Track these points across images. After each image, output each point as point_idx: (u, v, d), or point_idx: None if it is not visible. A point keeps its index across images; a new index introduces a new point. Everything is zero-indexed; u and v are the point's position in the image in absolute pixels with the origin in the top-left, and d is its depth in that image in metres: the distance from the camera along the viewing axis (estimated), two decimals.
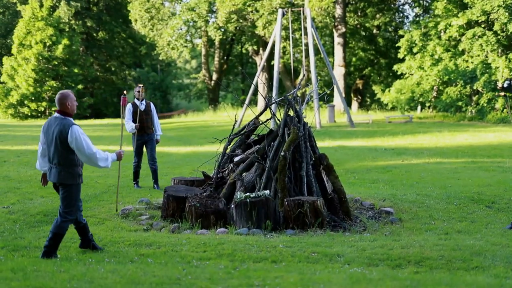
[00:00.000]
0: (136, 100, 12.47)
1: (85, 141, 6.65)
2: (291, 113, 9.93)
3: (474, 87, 35.77)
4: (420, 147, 21.17)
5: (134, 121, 12.36)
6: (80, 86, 52.47)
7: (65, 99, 6.77)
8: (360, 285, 5.44)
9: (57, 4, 56.25)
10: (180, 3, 53.63)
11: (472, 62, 36.27)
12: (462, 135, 25.44)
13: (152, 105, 12.77)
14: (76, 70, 52.57)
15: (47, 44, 50.55)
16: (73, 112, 6.87)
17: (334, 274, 5.98)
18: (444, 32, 38.88)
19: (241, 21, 46.57)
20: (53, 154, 6.75)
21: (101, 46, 63.86)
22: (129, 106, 12.39)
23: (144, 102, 12.49)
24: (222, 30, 48.79)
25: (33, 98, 49.55)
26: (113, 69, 64.10)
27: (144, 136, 12.49)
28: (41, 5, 51.44)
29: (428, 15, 46.18)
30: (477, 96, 36.72)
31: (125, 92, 8.33)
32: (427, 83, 39.07)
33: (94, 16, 62.22)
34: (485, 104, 35.12)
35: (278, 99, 10.68)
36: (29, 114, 49.95)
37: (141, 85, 12.53)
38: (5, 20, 61.04)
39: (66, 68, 52.05)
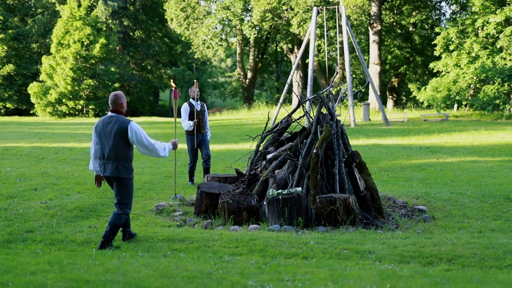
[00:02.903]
0: (192, 100, 12.73)
1: (143, 134, 7.34)
2: (324, 110, 9.95)
3: None
4: (455, 146, 20.93)
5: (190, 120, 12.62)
6: (116, 85, 53.13)
7: (120, 100, 7.45)
8: (390, 281, 5.45)
9: (94, 4, 57.10)
10: (215, 2, 53.88)
11: (510, 60, 35.65)
12: (499, 133, 25.05)
13: (205, 105, 13.03)
14: (112, 69, 53.27)
15: (85, 43, 51.28)
16: (125, 111, 7.54)
17: (365, 271, 6.00)
18: (482, 29, 38.31)
19: (276, 19, 46.61)
20: (110, 151, 7.28)
21: (137, 45, 64.59)
22: (186, 106, 12.64)
23: (199, 102, 12.77)
24: (257, 28, 48.91)
25: (71, 97, 50.30)
26: (149, 67, 64.75)
27: (199, 136, 12.75)
28: (79, 5, 52.20)
29: (465, 12, 45.56)
30: None
31: (174, 85, 8.44)
32: (464, 81, 38.48)
33: (131, 15, 62.95)
34: None
35: (311, 97, 10.71)
36: (67, 112, 50.69)
37: (196, 81, 12.84)
38: (44, 20, 62.09)
39: (103, 66, 52.79)
